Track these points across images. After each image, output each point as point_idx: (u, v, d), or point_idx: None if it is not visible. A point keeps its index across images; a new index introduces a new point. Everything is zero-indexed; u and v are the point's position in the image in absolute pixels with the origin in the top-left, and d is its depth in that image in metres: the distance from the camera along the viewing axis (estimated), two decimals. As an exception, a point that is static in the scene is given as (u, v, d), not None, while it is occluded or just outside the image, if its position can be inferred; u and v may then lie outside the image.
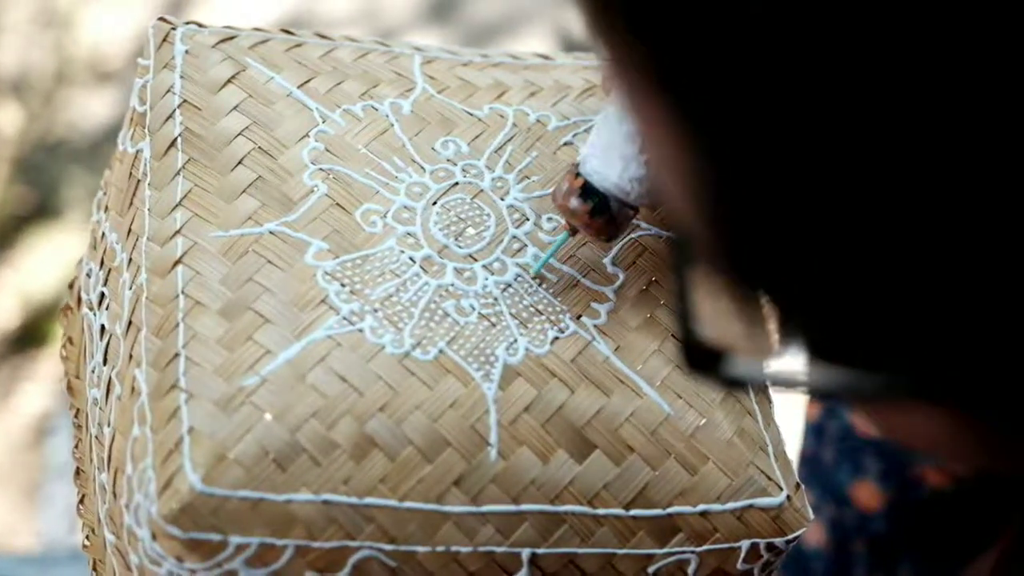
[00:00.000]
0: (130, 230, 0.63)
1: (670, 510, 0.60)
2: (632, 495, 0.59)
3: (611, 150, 0.60)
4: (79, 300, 0.69)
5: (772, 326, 0.37)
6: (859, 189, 0.30)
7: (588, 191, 0.60)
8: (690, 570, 0.60)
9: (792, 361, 0.35)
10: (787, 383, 0.36)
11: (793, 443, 1.12)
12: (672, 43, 0.30)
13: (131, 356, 0.60)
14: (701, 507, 0.60)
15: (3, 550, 1.92)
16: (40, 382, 2.13)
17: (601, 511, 0.59)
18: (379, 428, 0.57)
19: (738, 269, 0.35)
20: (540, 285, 0.63)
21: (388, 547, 0.56)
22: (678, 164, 0.33)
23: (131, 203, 0.64)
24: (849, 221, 0.30)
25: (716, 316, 0.37)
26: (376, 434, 0.57)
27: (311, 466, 0.56)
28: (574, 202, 0.61)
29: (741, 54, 0.29)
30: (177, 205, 0.62)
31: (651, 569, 0.60)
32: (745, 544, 0.60)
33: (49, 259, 2.26)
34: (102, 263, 0.65)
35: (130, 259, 0.62)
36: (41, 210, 2.31)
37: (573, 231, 0.63)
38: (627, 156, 0.60)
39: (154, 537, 0.55)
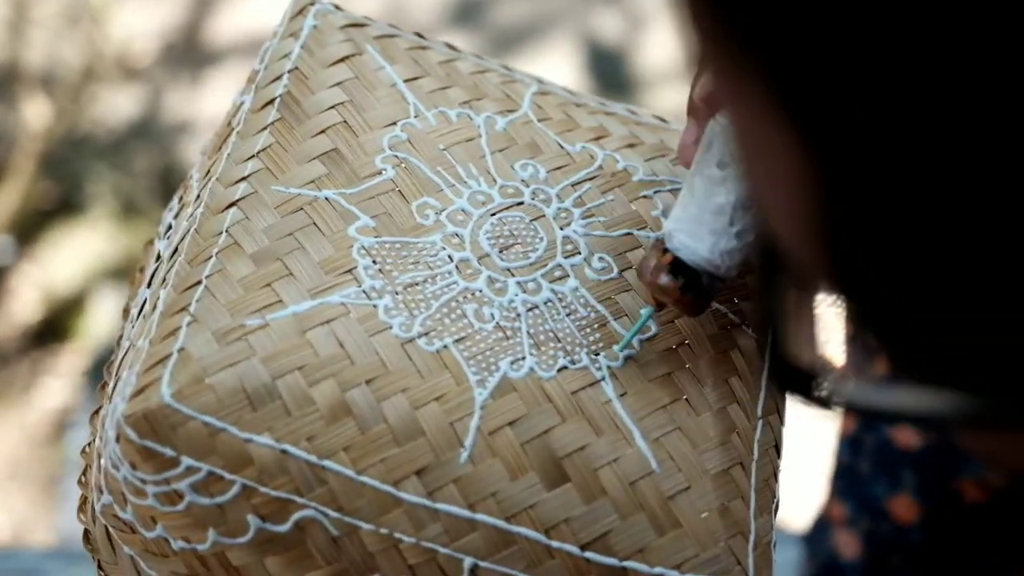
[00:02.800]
0: (209, 171, 0.66)
1: (626, 563, 0.58)
2: (591, 537, 0.58)
3: (700, 225, 0.59)
4: (159, 234, 0.72)
5: (869, 349, 0.36)
6: (983, 203, 0.29)
7: (677, 267, 0.59)
8: (632, 631, 0.58)
9: (890, 386, 0.35)
10: (885, 407, 0.36)
11: (827, 454, 1.09)
12: (790, 54, 0.30)
13: (164, 279, 0.62)
14: (658, 569, 0.58)
15: (21, 544, 1.93)
16: (60, 377, 2.14)
17: (555, 543, 0.58)
18: (359, 398, 0.58)
19: (844, 288, 0.34)
20: (568, 316, 0.62)
21: (334, 514, 0.56)
22: (787, 178, 0.32)
23: (219, 148, 0.67)
24: (969, 237, 0.29)
25: (807, 339, 0.37)
26: (354, 403, 0.58)
27: (281, 414, 0.57)
28: (664, 279, 0.60)
29: (863, 64, 0.29)
30: (253, 156, 0.64)
31: None
32: None
33: (71, 255, 2.27)
34: (181, 198, 0.69)
35: (198, 196, 0.65)
36: (65, 205, 2.34)
37: (659, 306, 0.62)
38: (717, 230, 0.59)
39: (117, 439, 0.57)
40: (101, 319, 2.22)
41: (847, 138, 0.30)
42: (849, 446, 1.04)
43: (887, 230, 0.31)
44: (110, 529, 0.61)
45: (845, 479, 1.05)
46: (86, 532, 0.64)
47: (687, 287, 0.59)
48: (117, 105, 2.49)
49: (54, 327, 2.23)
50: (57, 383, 2.16)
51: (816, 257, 0.34)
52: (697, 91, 0.61)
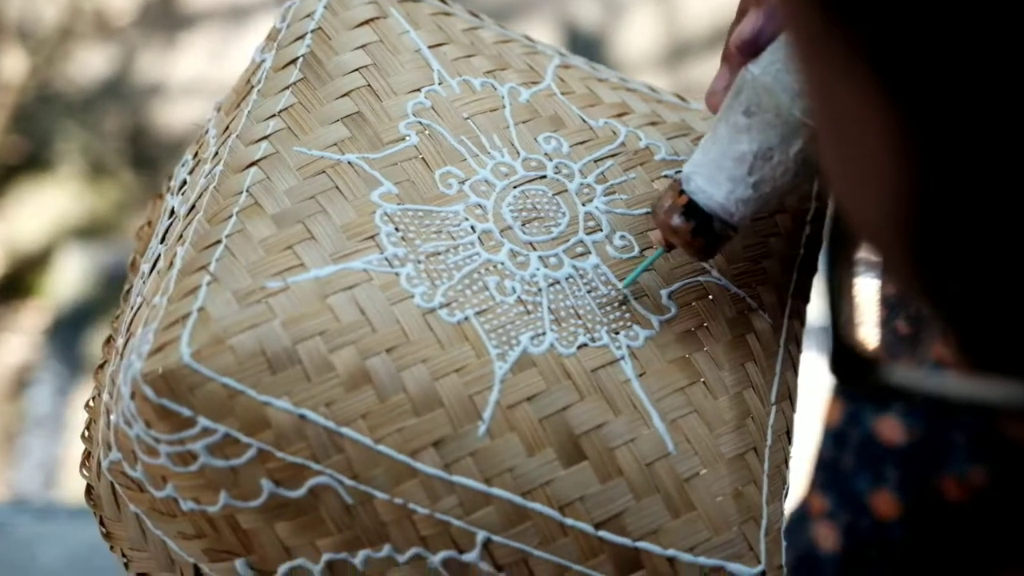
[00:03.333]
0: (227, 128, 0.65)
1: (639, 544, 0.58)
2: (606, 516, 0.58)
3: (719, 170, 0.59)
4: (168, 188, 0.71)
5: (934, 336, 0.36)
6: None
7: (691, 209, 0.60)
8: (642, 612, 0.58)
9: (953, 374, 0.34)
10: (948, 396, 0.35)
11: (809, 447, 1.09)
12: (887, 13, 0.29)
13: (181, 236, 0.61)
14: (671, 552, 0.58)
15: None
16: (22, 334, 2.13)
17: (569, 521, 0.57)
18: (379, 367, 0.57)
19: (923, 274, 0.33)
20: (589, 293, 0.62)
21: (349, 482, 0.56)
22: (875, 153, 0.32)
23: (238, 106, 0.66)
24: None
25: (864, 326, 0.37)
26: (374, 371, 0.57)
27: (301, 379, 0.56)
28: (676, 219, 0.60)
29: (966, 27, 0.28)
30: (274, 115, 0.63)
31: None
32: None
33: (37, 211, 2.25)
34: (196, 154, 0.67)
35: (216, 152, 0.64)
36: (33, 161, 2.31)
37: (669, 247, 0.62)
38: (735, 177, 0.59)
39: (132, 396, 0.56)
40: (65, 278, 2.20)
41: (948, 110, 0.29)
42: (833, 439, 1.04)
43: (983, 211, 0.30)
44: (116, 486, 0.60)
45: (828, 472, 1.05)
46: (89, 487, 0.63)
47: (698, 230, 0.60)
48: (90, 63, 2.46)
49: (16, 284, 2.20)
50: (18, 340, 2.13)
51: (893, 239, 0.33)
52: (734, 38, 0.61)
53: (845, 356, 0.36)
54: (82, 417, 0.65)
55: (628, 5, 2.57)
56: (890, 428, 0.99)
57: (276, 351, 0.56)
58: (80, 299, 2.18)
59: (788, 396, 0.65)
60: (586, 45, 2.53)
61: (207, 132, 0.68)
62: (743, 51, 0.60)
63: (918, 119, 0.30)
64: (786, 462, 0.63)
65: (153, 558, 0.61)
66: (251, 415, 0.55)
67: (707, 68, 2.42)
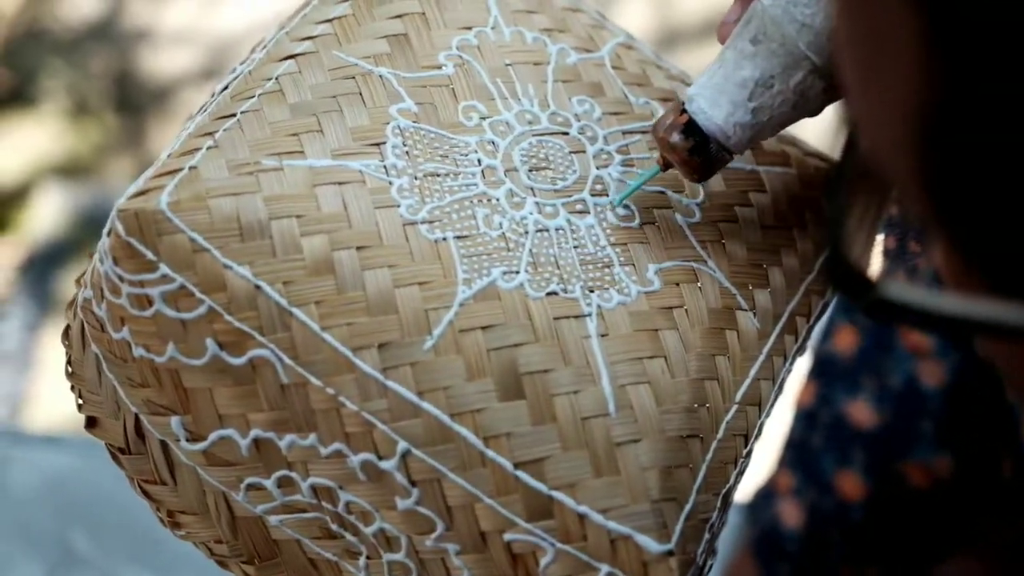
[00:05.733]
0: (283, 26, 0.67)
1: (554, 493, 0.57)
2: (528, 458, 0.57)
3: (722, 93, 0.61)
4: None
5: (933, 256, 0.36)
6: None
7: (690, 128, 0.62)
8: (542, 562, 0.57)
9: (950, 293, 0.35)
10: (944, 314, 0.35)
11: (779, 425, 1.07)
12: None
13: (205, 107, 0.64)
14: (584, 508, 0.57)
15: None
16: None
17: (491, 452, 0.57)
18: (345, 260, 0.58)
19: (939, 194, 0.33)
20: (575, 248, 0.62)
21: (288, 360, 0.57)
22: (899, 67, 0.32)
23: (299, 11, 0.68)
24: None
25: (867, 245, 0.38)
26: (339, 263, 0.58)
27: (267, 253, 0.57)
28: (675, 137, 0.62)
29: None
30: (327, 20, 0.66)
31: (507, 537, 0.57)
32: (604, 570, 0.57)
33: (17, 147, 2.25)
34: (253, 50, 0.70)
35: (265, 45, 0.66)
36: (16, 96, 2.32)
37: (666, 166, 0.64)
38: (737, 101, 0.61)
39: (109, 232, 0.58)
40: (41, 215, 2.23)
41: (977, 17, 0.29)
42: (804, 419, 1.06)
43: (1006, 127, 0.30)
44: (85, 325, 0.62)
45: (796, 451, 1.06)
46: (66, 328, 0.65)
47: (695, 150, 0.62)
48: (82, 2, 2.49)
49: (-9, 218, 2.24)
50: (-9, 275, 2.18)
51: (908, 156, 0.33)
52: None
53: (844, 271, 0.37)
54: (50, 355, 0.68)
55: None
56: (860, 411, 1.01)
57: (250, 221, 0.58)
58: (55, 238, 2.21)
59: (757, 403, 0.64)
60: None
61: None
62: None
63: (946, 26, 0.30)
64: (735, 463, 0.62)
65: (104, 402, 0.63)
66: (210, 274, 0.57)
67: (698, 57, 2.38)
